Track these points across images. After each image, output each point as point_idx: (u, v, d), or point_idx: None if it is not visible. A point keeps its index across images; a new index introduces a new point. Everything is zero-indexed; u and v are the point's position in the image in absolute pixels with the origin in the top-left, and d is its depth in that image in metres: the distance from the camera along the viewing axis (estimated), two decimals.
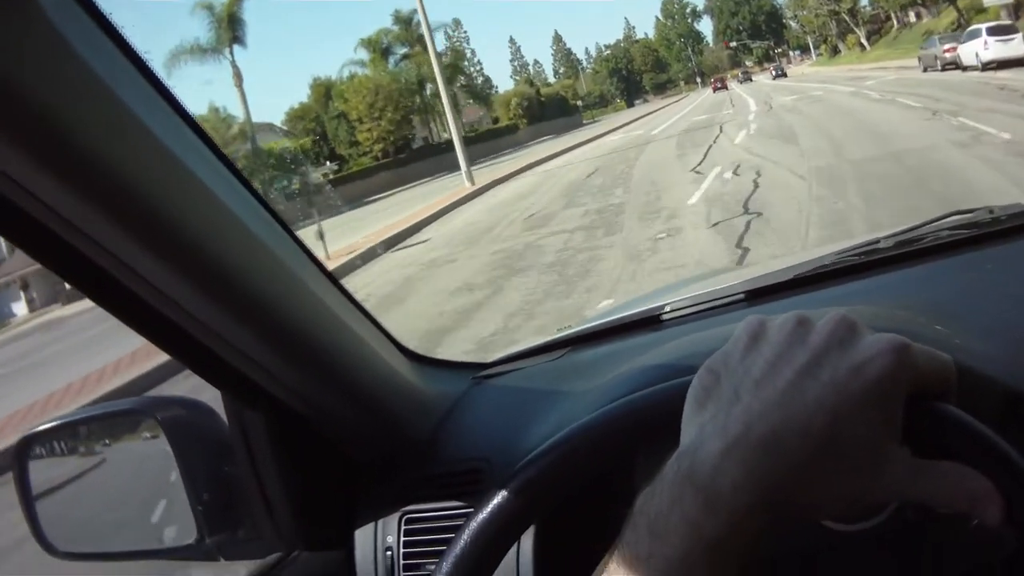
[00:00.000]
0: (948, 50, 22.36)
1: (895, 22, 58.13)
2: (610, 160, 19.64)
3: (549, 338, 1.15)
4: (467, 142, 53.61)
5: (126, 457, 0.95)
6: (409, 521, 0.88)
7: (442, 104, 58.80)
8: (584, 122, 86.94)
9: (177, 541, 0.86)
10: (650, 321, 1.09)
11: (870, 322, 0.66)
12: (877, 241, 1.07)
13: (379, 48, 49.76)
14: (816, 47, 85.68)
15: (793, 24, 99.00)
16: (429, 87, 57.05)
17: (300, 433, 0.84)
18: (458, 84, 60.00)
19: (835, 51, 72.76)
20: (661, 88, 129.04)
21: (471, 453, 0.89)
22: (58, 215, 0.55)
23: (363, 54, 50.85)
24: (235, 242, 0.65)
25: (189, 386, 1.00)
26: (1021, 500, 0.43)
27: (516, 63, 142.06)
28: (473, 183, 22.02)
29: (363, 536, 0.90)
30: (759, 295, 1.04)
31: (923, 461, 0.44)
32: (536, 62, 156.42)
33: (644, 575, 0.43)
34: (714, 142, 16.67)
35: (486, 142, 52.24)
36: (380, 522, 0.89)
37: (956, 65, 21.36)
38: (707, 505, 0.42)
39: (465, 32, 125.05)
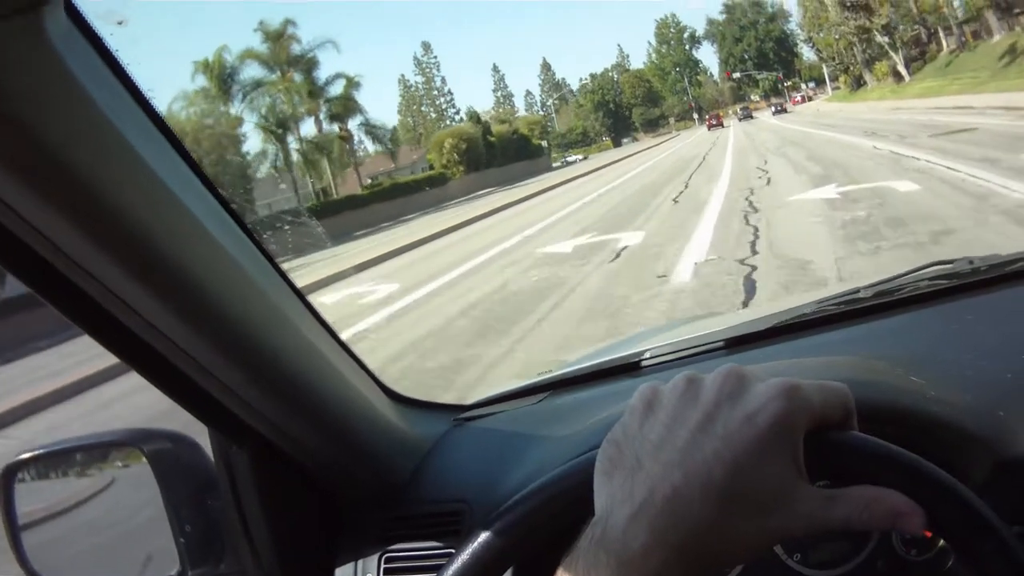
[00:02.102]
0: None
1: (944, 44, 41.64)
2: None
3: (529, 382, 1.17)
4: (357, 204, 38.76)
5: (111, 488, 0.98)
6: (389, 560, 0.91)
7: (328, 155, 43.75)
8: (554, 165, 71.74)
9: (159, 573, 0.88)
10: (630, 367, 1.11)
11: (845, 373, 0.77)
12: (857, 291, 1.08)
13: (217, 75, 33.94)
14: (833, 79, 70.00)
15: (806, 51, 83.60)
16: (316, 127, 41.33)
17: (284, 470, 0.87)
18: (359, 123, 43.78)
19: (858, 83, 56.82)
20: (652, 125, 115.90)
21: (451, 495, 0.92)
22: (49, 242, 0.56)
23: (204, 82, 34.95)
24: (224, 278, 0.68)
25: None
26: (940, 505, 0.45)
27: (500, 93, 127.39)
28: None
29: (344, 574, 0.92)
30: (738, 343, 1.06)
31: (834, 491, 0.46)
32: (528, 93, 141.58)
33: None
34: None
35: (387, 202, 36.51)
36: (360, 561, 0.92)
37: None
38: (619, 570, 0.45)
39: (435, 57, 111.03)
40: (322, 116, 42.50)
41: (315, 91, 41.51)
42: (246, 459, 0.83)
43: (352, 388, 0.86)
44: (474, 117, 63.58)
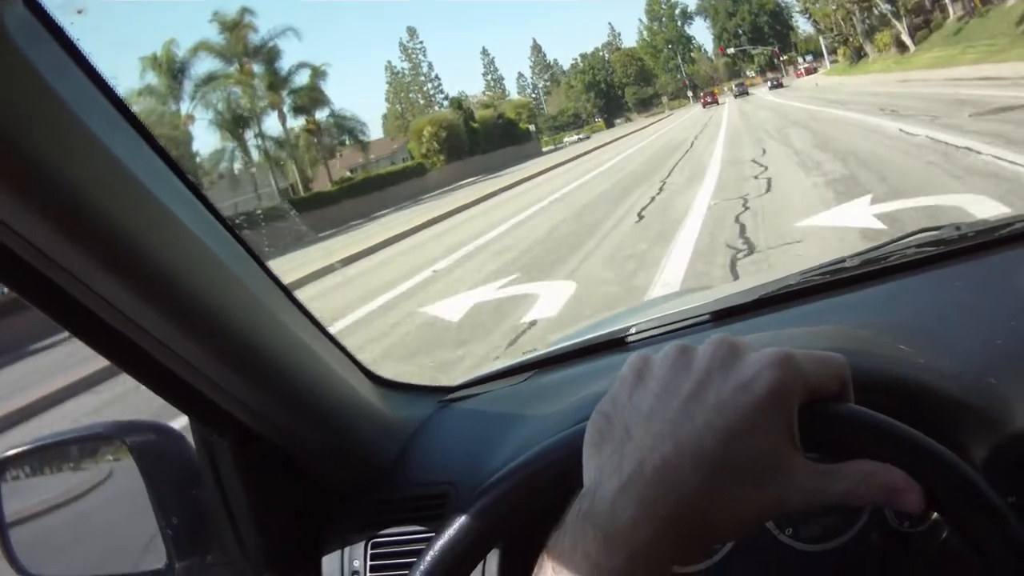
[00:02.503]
0: None
1: (950, 11, 38.64)
2: None
3: (514, 361, 1.15)
4: (326, 201, 35.90)
5: (96, 481, 0.98)
6: (375, 546, 0.89)
7: (294, 150, 40.78)
8: (544, 150, 68.74)
9: (147, 565, 0.88)
10: (616, 343, 1.10)
11: (832, 343, 0.75)
12: (843, 260, 1.07)
13: (166, 70, 31.09)
14: (831, 51, 66.85)
15: (802, 23, 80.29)
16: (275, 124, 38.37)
17: (267, 458, 0.85)
18: (327, 114, 40.80)
19: (858, 54, 53.68)
20: (645, 104, 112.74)
21: (437, 477, 0.91)
22: (18, 236, 0.55)
23: (153, 78, 32.19)
24: (199, 266, 0.67)
25: None
26: (937, 480, 0.44)
27: (490, 77, 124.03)
28: None
29: (330, 561, 0.91)
30: (724, 316, 1.05)
31: (830, 465, 0.45)
32: (520, 75, 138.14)
33: None
34: None
35: (359, 197, 33.80)
36: (347, 548, 0.90)
37: None
38: (606, 542, 0.43)
39: (421, 43, 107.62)
40: (286, 109, 39.53)
41: (276, 82, 38.57)
42: (228, 448, 0.82)
43: (332, 372, 0.84)
44: (455, 103, 60.23)
